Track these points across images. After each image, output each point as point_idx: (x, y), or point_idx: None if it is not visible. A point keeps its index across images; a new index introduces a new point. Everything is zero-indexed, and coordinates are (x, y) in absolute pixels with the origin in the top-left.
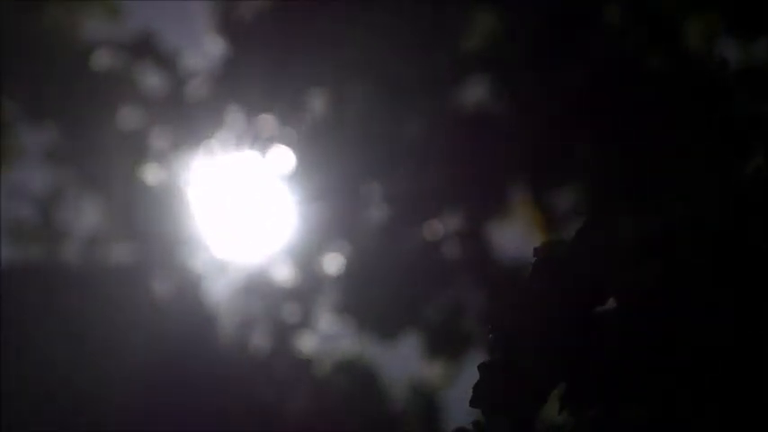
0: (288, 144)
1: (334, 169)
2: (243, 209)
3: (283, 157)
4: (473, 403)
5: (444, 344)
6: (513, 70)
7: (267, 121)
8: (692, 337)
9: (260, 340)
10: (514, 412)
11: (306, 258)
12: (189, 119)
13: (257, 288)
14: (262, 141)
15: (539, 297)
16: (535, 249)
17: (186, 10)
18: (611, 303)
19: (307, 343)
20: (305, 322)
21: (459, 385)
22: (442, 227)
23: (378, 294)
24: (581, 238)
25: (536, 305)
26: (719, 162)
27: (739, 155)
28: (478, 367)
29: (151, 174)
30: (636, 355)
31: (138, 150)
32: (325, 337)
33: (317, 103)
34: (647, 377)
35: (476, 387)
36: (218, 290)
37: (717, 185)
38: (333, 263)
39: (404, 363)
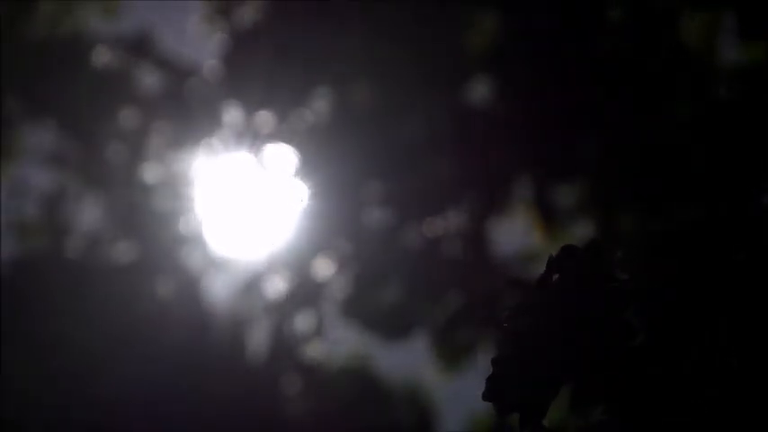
0: (288, 143)
1: (335, 168)
2: (243, 208)
3: (284, 156)
4: (486, 396)
5: (447, 344)
6: (515, 69)
7: (267, 119)
8: (703, 342)
9: (260, 340)
10: (525, 406)
11: (306, 258)
12: (189, 117)
13: (257, 287)
14: (262, 140)
15: (552, 296)
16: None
17: (186, 8)
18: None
19: (307, 343)
20: (306, 323)
21: (461, 386)
22: (444, 225)
23: (379, 294)
24: (594, 242)
25: (549, 303)
26: (721, 161)
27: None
28: (491, 361)
29: (151, 172)
30: (648, 360)
31: (138, 149)
32: (326, 337)
33: (318, 101)
34: (660, 382)
35: (488, 381)
36: (219, 289)
37: (721, 185)
38: (333, 262)
39: (405, 363)
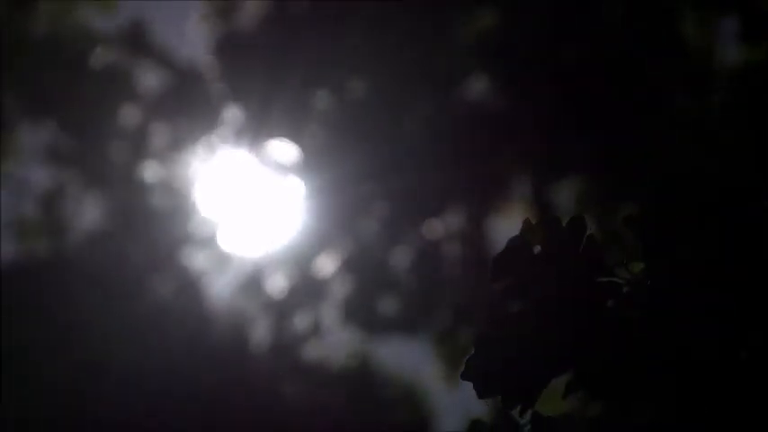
0: (288, 142)
1: (336, 167)
2: (244, 207)
3: (284, 155)
4: (464, 375)
5: (447, 345)
6: (513, 67)
7: (268, 118)
8: (702, 335)
9: (260, 339)
10: (509, 389)
11: (307, 257)
12: (189, 116)
13: (258, 286)
14: (262, 139)
15: (536, 272)
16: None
17: (187, 6)
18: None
19: (307, 342)
20: (305, 322)
21: (460, 385)
22: (443, 225)
23: (379, 294)
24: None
25: (532, 282)
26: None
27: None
28: (473, 341)
29: (151, 171)
30: (648, 351)
31: (138, 148)
32: (326, 336)
33: (318, 100)
34: (659, 374)
35: (469, 360)
36: (219, 288)
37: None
38: (333, 262)
39: (405, 363)
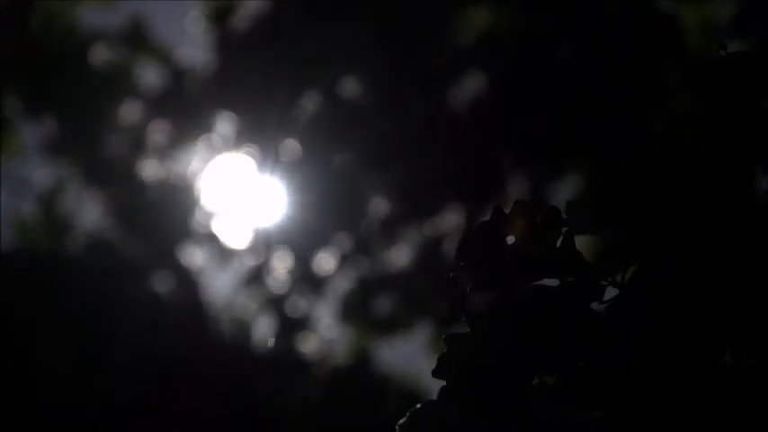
0: (287, 140)
1: (336, 165)
2: (244, 205)
3: (283, 154)
4: (435, 373)
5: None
6: (507, 63)
7: (266, 117)
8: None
9: (261, 338)
10: (480, 389)
11: (306, 255)
12: (189, 114)
13: (258, 283)
14: (262, 138)
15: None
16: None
17: (185, 5)
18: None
19: (308, 341)
20: (306, 320)
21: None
22: (441, 223)
23: (379, 291)
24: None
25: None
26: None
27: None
28: (444, 338)
29: (151, 169)
30: (644, 348)
31: (138, 145)
32: (327, 334)
33: (315, 99)
34: (648, 377)
35: (441, 358)
36: (219, 286)
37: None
38: (333, 260)
39: (406, 362)
